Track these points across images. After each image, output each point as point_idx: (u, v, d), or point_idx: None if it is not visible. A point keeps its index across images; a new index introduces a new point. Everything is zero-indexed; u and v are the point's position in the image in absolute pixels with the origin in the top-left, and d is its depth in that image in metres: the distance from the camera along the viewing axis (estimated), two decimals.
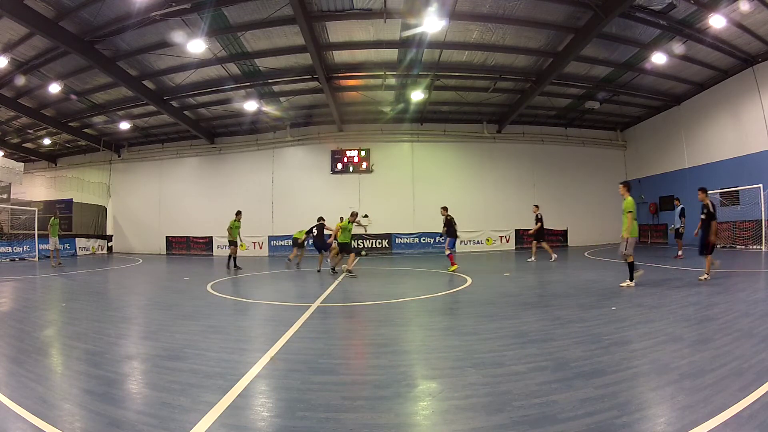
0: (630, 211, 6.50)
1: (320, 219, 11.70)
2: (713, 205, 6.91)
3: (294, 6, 9.76)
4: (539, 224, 12.06)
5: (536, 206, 12.36)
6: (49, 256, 14.48)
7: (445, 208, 10.50)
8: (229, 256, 11.98)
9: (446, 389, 2.73)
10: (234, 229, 11.97)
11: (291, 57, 13.16)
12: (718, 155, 15.19)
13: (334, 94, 15.56)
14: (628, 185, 6.80)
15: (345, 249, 9.92)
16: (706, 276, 6.79)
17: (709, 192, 14.77)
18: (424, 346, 3.84)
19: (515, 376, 2.89)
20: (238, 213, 12.31)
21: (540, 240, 12.25)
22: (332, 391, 2.72)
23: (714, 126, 15.38)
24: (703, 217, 6.96)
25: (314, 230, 11.60)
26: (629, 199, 6.59)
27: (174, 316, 5.41)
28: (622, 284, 6.54)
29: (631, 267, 6.58)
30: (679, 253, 11.01)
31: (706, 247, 6.91)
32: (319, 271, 10.72)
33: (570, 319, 4.59)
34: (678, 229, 11.53)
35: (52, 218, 13.38)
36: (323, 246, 11.27)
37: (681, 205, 11.82)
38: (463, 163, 19.30)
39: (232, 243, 11.99)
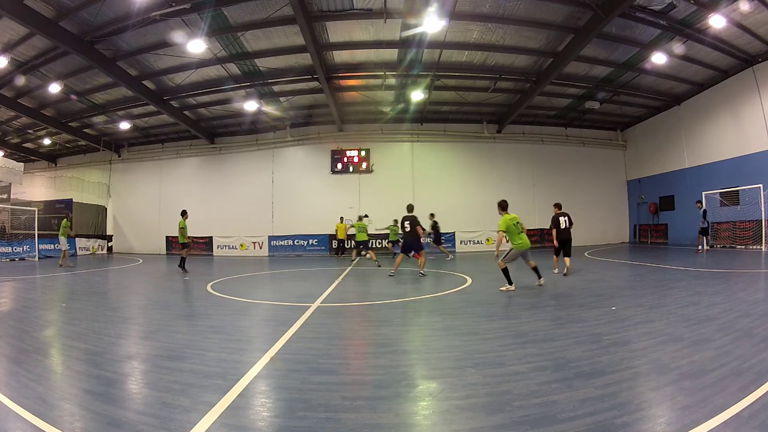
0: (501, 231, 6.86)
1: (411, 208, 9.43)
2: (567, 216, 8.69)
3: (294, 6, 9.77)
4: (436, 229, 14.34)
5: (432, 214, 14.37)
6: (49, 256, 14.93)
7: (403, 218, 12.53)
8: (183, 258, 11.34)
9: (446, 389, 2.73)
10: (185, 229, 11.28)
11: (291, 57, 13.16)
12: (718, 155, 15.19)
13: (334, 94, 15.57)
14: (500, 205, 7.09)
15: (412, 247, 9.25)
16: (555, 271, 8.78)
17: (708, 192, 15.05)
18: (424, 346, 3.83)
19: (515, 376, 2.89)
20: (184, 212, 11.48)
21: (438, 244, 14.55)
22: (332, 391, 2.72)
23: (714, 126, 15.38)
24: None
25: (406, 225, 9.18)
26: (503, 217, 6.89)
27: (174, 316, 5.41)
28: (501, 288, 6.74)
29: (506, 272, 6.81)
30: (701, 248, 12.98)
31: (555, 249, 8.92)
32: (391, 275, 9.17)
33: (570, 319, 4.59)
34: (705, 227, 13.13)
35: (64, 220, 13.24)
36: (416, 246, 9.22)
37: (703, 207, 13.38)
38: (463, 163, 19.30)
39: (185, 245, 11.30)
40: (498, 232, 6.90)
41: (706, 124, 15.72)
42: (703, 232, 13.15)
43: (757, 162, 13.44)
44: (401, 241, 9.95)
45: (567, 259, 8.55)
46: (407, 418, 2.39)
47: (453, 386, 2.77)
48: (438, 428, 2.25)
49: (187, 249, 11.40)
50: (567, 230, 8.60)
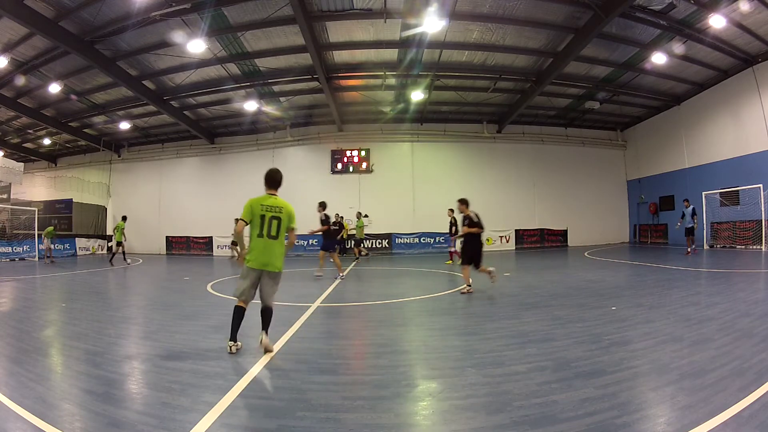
0: (241, 219, 3.80)
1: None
2: (476, 215, 6.69)
3: (294, 6, 9.77)
4: (327, 227, 11.89)
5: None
6: (49, 257, 15.88)
7: (452, 210, 11.38)
8: (114, 253, 13.93)
9: (446, 389, 2.73)
10: (123, 230, 13.80)
11: (291, 57, 13.16)
12: (718, 155, 15.19)
13: (334, 94, 15.56)
14: (266, 178, 4.19)
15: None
16: (494, 277, 6.61)
17: (708, 192, 15.02)
18: (424, 346, 3.83)
19: (515, 376, 2.89)
20: (125, 218, 14.27)
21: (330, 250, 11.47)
22: (332, 391, 2.72)
23: (714, 126, 15.38)
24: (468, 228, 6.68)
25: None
26: (251, 200, 3.92)
27: (174, 316, 5.40)
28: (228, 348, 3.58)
29: (235, 318, 3.64)
30: (690, 249, 12.47)
31: (472, 258, 6.61)
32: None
33: (570, 319, 4.59)
34: (691, 227, 12.53)
35: (51, 228, 16.00)
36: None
37: (692, 206, 12.75)
38: (463, 163, 19.29)
39: (119, 243, 13.71)
40: (237, 220, 3.78)
41: (706, 124, 15.71)
42: (689, 232, 12.50)
43: (757, 162, 13.43)
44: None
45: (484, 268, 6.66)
46: (407, 418, 2.39)
47: (453, 386, 2.77)
48: (438, 428, 2.25)
49: (121, 246, 13.75)
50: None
